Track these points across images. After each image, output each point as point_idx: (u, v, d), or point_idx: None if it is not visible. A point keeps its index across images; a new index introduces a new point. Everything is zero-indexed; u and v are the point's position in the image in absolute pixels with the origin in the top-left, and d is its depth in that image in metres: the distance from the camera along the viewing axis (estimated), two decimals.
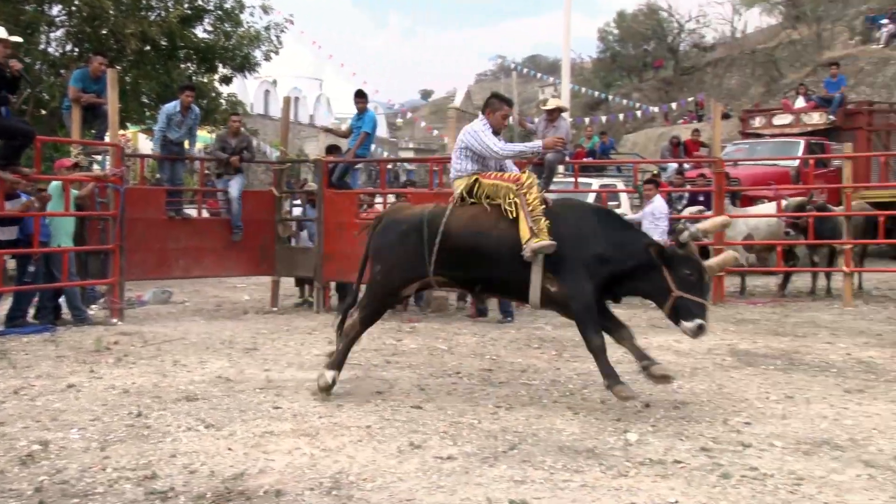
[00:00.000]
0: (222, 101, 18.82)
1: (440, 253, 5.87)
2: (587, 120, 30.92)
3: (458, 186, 6.19)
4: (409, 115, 46.00)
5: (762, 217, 12.17)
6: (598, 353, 5.66)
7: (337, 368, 6.03)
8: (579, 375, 6.76)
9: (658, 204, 10.69)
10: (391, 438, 4.95)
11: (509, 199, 5.85)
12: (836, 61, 22.05)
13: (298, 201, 13.94)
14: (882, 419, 5.38)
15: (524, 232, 5.71)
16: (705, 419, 5.39)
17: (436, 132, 45.73)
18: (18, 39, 10.21)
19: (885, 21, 31.83)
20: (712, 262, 6.02)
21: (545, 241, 5.64)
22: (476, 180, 6.09)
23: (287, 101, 13.05)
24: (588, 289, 5.67)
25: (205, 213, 12.69)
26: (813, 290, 11.91)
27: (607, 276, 5.73)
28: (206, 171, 13.82)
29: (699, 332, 5.57)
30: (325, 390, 5.94)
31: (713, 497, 4.01)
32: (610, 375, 5.60)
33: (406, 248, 5.99)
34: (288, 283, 12.02)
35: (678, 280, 5.56)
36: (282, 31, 18.52)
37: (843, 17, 36.85)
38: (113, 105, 10.08)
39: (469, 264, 5.93)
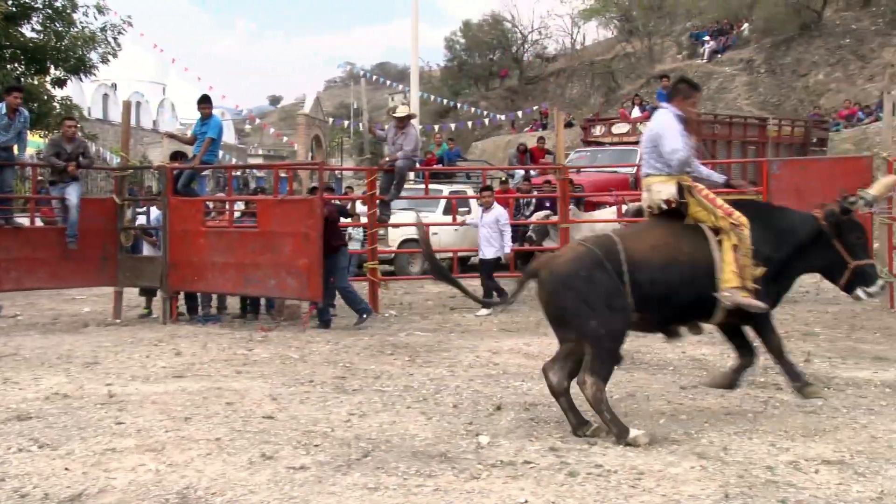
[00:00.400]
0: (56, 104, 17.85)
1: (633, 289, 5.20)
2: (436, 127, 31.33)
3: (661, 189, 5.57)
4: (257, 121, 45.10)
5: (603, 222, 12.68)
6: (780, 354, 5.61)
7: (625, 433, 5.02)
8: (432, 380, 6.83)
9: (500, 211, 10.95)
10: (242, 450, 4.84)
11: (721, 234, 5.37)
12: (667, 74, 23.33)
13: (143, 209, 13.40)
14: (712, 413, 5.72)
15: (728, 276, 5.27)
16: (554, 420, 5.56)
17: (285, 139, 45.08)
18: None
19: (707, 38, 34.01)
20: (881, 184, 5.89)
21: (754, 301, 5.28)
22: (684, 188, 5.50)
23: (127, 105, 12.52)
24: (770, 292, 5.44)
25: (38, 222, 11.97)
26: None
27: (784, 269, 5.57)
28: (40, 178, 13.06)
29: (882, 291, 5.63)
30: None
31: (561, 495, 4.14)
32: (798, 376, 5.58)
33: (601, 288, 5.17)
34: (132, 294, 11.53)
35: (850, 248, 5.49)
36: (119, 32, 17.79)
37: (672, 32, 39.07)
38: None
39: (664, 299, 5.33)
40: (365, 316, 10.04)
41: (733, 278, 5.26)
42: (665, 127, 5.57)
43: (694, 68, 32.61)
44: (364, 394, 6.40)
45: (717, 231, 5.40)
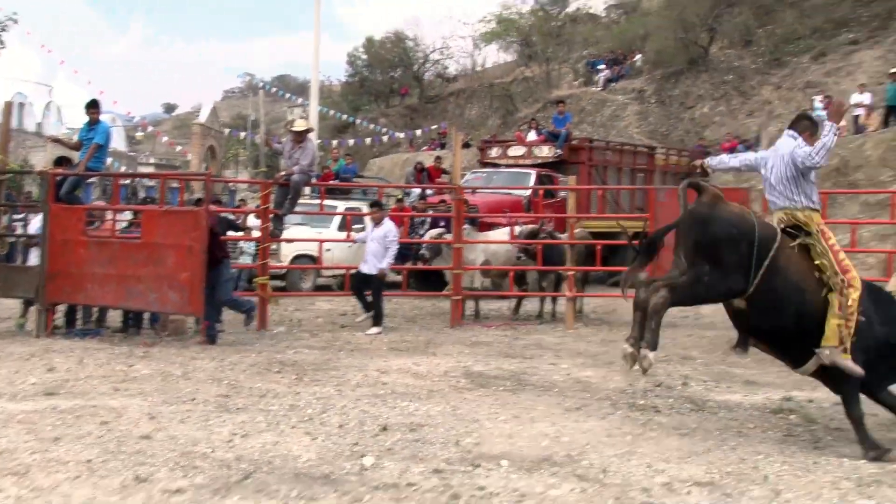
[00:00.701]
0: None
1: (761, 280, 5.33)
2: (335, 142, 31.16)
3: (815, 219, 5.65)
4: (150, 128, 43.94)
5: (497, 243, 12.84)
6: (859, 423, 5.44)
7: (655, 348, 5.34)
8: (319, 400, 6.74)
9: (390, 227, 10.95)
10: (114, 473, 4.65)
11: (833, 287, 5.40)
12: (563, 99, 23.96)
13: (21, 215, 12.82)
14: (594, 435, 5.85)
15: (831, 333, 5.33)
16: (439, 441, 5.57)
17: (179, 148, 44.01)
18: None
19: (602, 66, 35.07)
20: None
21: (851, 364, 5.32)
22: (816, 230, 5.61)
23: (8, 105, 11.96)
24: (861, 372, 5.37)
25: None
26: (540, 313, 12.73)
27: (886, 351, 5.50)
28: None
29: None
30: (646, 371, 5.46)
31: None
32: (874, 447, 5.35)
33: (736, 257, 5.33)
34: (4, 305, 11.00)
35: None
36: (2, 29, 17.03)
37: (569, 59, 40.07)
38: None
39: (775, 309, 5.44)
40: (252, 314, 10.20)
41: (834, 337, 5.34)
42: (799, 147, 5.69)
43: (589, 95, 33.55)
44: (248, 413, 6.26)
45: (827, 285, 5.46)
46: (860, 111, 21.94)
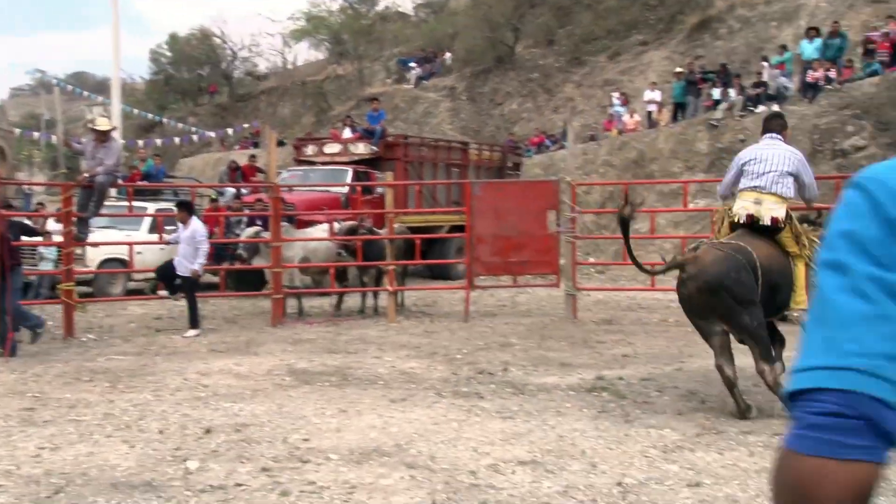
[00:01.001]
0: None
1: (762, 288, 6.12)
2: (141, 142, 29.75)
3: (775, 208, 6.37)
4: None
5: (316, 240, 12.74)
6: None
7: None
8: (136, 406, 6.46)
9: (197, 226, 10.61)
10: None
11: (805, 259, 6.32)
12: (377, 97, 24.03)
13: None
14: (421, 424, 5.95)
15: (801, 296, 6.22)
16: (266, 440, 5.49)
17: None
18: None
19: (413, 64, 35.54)
20: None
21: None
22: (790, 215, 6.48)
23: None
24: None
25: None
26: (362, 308, 12.75)
27: None
28: None
29: None
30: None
31: None
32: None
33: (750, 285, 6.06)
34: None
35: None
36: None
37: (380, 57, 40.34)
38: None
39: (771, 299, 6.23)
40: (39, 330, 9.61)
41: (804, 300, 6.21)
42: (805, 162, 6.62)
43: (402, 93, 33.89)
44: (57, 425, 5.90)
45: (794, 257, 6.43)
46: (653, 108, 23.48)
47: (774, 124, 6.87)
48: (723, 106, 20.74)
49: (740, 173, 6.67)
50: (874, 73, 19.05)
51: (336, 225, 12.83)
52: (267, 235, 11.96)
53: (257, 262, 12.23)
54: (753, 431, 5.62)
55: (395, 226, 12.52)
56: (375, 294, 12.85)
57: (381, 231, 12.88)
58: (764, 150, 6.64)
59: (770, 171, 6.48)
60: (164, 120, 38.07)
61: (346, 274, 13.06)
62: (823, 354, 0.97)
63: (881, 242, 0.98)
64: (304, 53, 46.84)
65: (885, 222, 0.99)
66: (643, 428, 5.76)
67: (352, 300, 13.18)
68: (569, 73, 30.82)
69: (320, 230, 13.15)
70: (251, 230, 12.60)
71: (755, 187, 6.48)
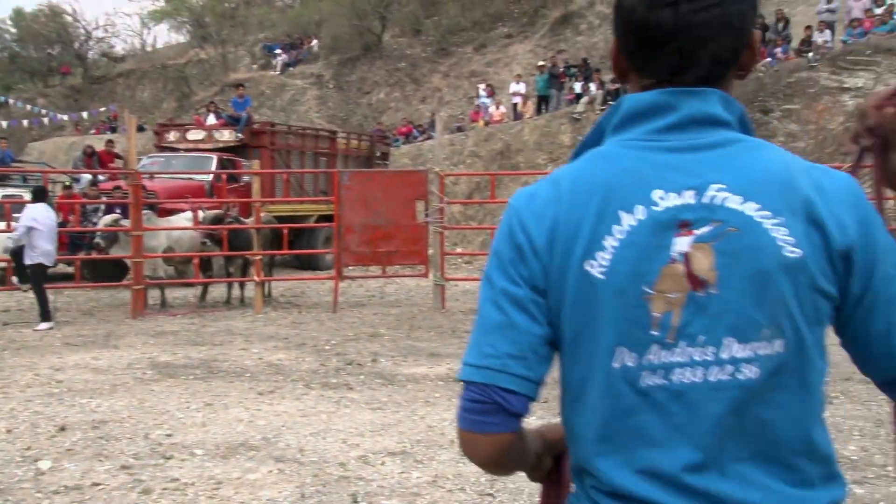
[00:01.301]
0: None
1: None
2: None
3: None
4: None
5: (180, 229, 12.34)
6: None
7: None
8: None
9: (27, 212, 9.97)
10: None
11: None
12: (242, 83, 23.45)
13: None
14: (289, 416, 5.89)
15: None
16: (126, 436, 5.30)
17: None
18: None
19: (279, 51, 34.93)
20: None
21: None
22: None
23: None
24: None
25: None
26: (228, 299, 12.47)
27: None
28: None
29: None
30: None
31: None
32: None
33: None
34: None
35: None
36: None
37: (245, 42, 39.40)
38: None
39: None
40: None
41: None
42: None
43: (268, 79, 33.22)
44: None
45: None
46: (518, 100, 23.96)
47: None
48: (584, 100, 21.39)
49: None
50: None
51: (201, 213, 12.46)
52: (127, 224, 11.50)
53: (115, 252, 11.73)
54: None
55: (262, 215, 12.29)
56: (242, 285, 12.60)
57: (247, 220, 12.60)
58: None
59: None
60: (10, 101, 35.88)
61: (211, 264, 12.71)
62: (474, 354, 1.25)
63: (512, 262, 1.24)
64: (165, 36, 45.14)
65: (514, 246, 1.24)
66: None
67: (217, 291, 12.86)
68: (436, 63, 31.04)
69: (184, 219, 12.74)
70: (109, 218, 12.05)
71: None
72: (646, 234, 1.18)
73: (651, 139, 1.22)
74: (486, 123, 24.16)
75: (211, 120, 18.86)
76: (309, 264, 17.43)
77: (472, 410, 1.23)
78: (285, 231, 12.67)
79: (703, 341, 1.17)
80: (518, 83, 24.24)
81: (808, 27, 19.75)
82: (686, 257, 1.17)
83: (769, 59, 19.38)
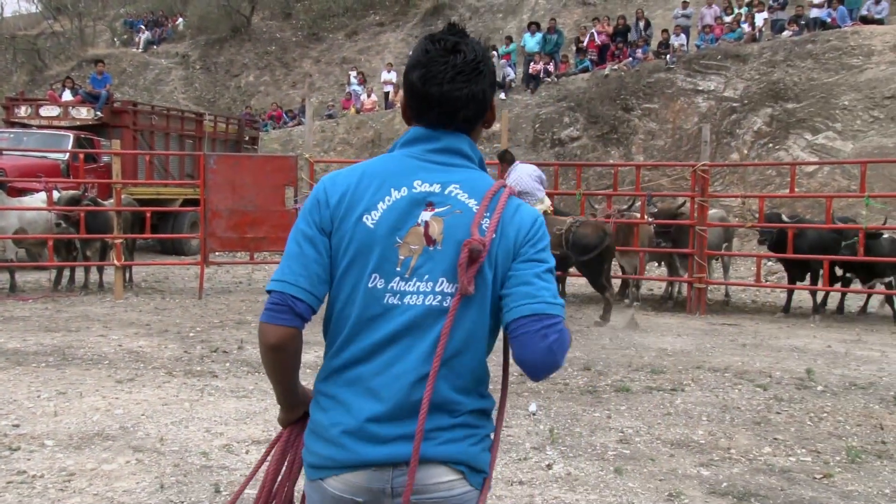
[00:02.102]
0: None
1: None
2: None
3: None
4: None
5: (34, 210, 11.71)
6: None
7: None
8: None
9: None
10: None
11: None
12: (102, 59, 22.43)
13: None
14: (150, 405, 5.72)
15: None
16: None
17: None
18: None
19: (142, 27, 33.60)
20: None
21: None
22: None
23: None
24: None
25: None
26: (86, 284, 11.93)
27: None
28: None
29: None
30: None
31: None
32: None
33: None
34: None
35: None
36: None
37: (105, 16, 37.67)
38: None
39: None
40: None
41: None
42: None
43: (129, 56, 31.90)
44: None
45: None
46: (389, 88, 23.96)
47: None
48: None
49: None
50: (585, 70, 20.80)
51: (56, 194, 11.84)
52: None
53: None
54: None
55: (123, 197, 11.82)
56: (101, 269, 12.09)
57: (107, 202, 12.08)
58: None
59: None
60: None
61: (68, 247, 12.12)
62: (278, 273, 1.84)
63: (310, 212, 1.86)
64: (14, 4, 42.56)
65: (315, 202, 1.86)
66: None
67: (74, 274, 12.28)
68: (307, 48, 30.62)
69: (38, 200, 12.07)
70: None
71: None
72: (405, 204, 1.83)
73: (422, 155, 1.89)
74: (358, 111, 24.05)
75: (67, 96, 17.96)
76: (174, 249, 16.90)
77: (272, 310, 1.81)
78: (148, 214, 12.23)
79: (427, 279, 1.82)
80: (389, 72, 24.24)
81: (665, 31, 20.66)
82: (426, 224, 1.82)
83: (630, 59, 20.13)
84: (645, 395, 6.33)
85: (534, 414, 5.73)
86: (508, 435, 5.20)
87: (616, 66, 20.12)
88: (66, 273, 11.90)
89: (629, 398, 6.25)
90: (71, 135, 15.71)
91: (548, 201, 10.65)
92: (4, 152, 14.46)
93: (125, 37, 35.02)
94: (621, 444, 5.15)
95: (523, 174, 10.18)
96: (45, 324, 8.86)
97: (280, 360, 1.90)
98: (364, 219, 1.81)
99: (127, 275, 11.89)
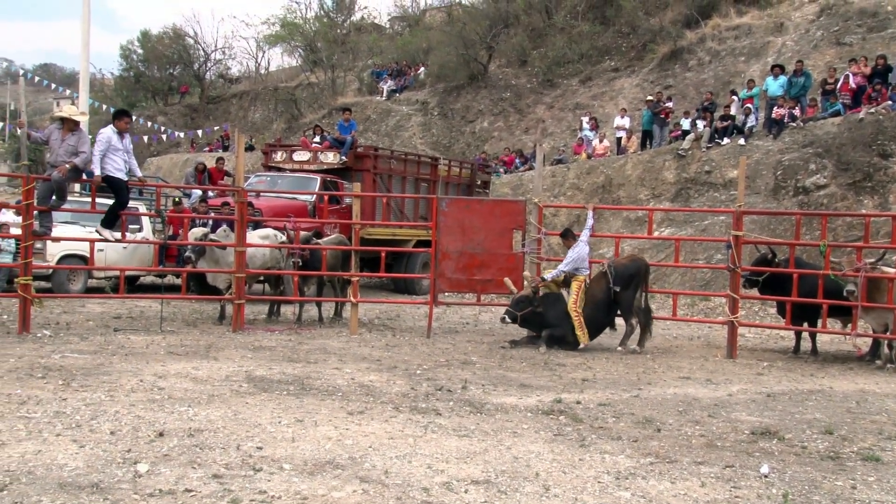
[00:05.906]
0: None
1: None
2: None
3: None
4: None
5: (256, 246, 12.41)
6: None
7: None
8: (88, 406, 6.36)
9: None
10: None
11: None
12: (349, 107, 23.99)
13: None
14: (377, 437, 5.93)
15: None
16: (219, 446, 5.43)
17: None
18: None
19: (386, 77, 35.63)
20: None
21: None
22: None
23: None
24: None
25: None
26: (320, 318, 12.67)
27: None
28: None
29: None
30: None
31: None
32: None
33: None
34: None
35: None
36: None
37: (354, 67, 40.33)
38: None
39: None
40: None
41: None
42: None
43: (374, 104, 33.92)
44: (5, 421, 5.78)
45: None
46: (622, 133, 23.74)
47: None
48: (690, 136, 21.03)
49: None
50: (836, 114, 19.46)
51: (292, 233, 12.74)
52: (220, 238, 11.85)
53: (202, 266, 11.98)
54: (706, 462, 5.68)
55: (335, 237, 12.59)
56: (340, 304, 12.81)
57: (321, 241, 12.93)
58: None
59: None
60: (133, 117, 37.70)
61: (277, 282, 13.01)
62: None
63: None
64: (278, 59, 46.79)
65: None
66: (598, 453, 5.79)
67: (313, 310, 13.10)
68: (540, 94, 31.06)
69: (257, 236, 12.83)
70: (198, 231, 12.36)
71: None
72: None
73: None
74: (589, 156, 24.00)
75: (317, 142, 19.34)
76: (406, 289, 17.59)
77: None
78: (382, 254, 12.86)
79: None
80: (623, 117, 24.02)
81: None
82: None
83: (890, 102, 18.63)
84: None
85: (766, 476, 5.36)
86: (737, 496, 4.89)
87: (873, 110, 18.66)
88: (297, 306, 12.68)
89: (879, 469, 5.69)
90: (318, 177, 16.88)
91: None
92: (261, 194, 15.74)
93: (371, 86, 37.32)
94: None
95: (584, 253, 11.16)
96: (288, 354, 9.49)
97: None
98: None
99: (336, 309, 12.68)
